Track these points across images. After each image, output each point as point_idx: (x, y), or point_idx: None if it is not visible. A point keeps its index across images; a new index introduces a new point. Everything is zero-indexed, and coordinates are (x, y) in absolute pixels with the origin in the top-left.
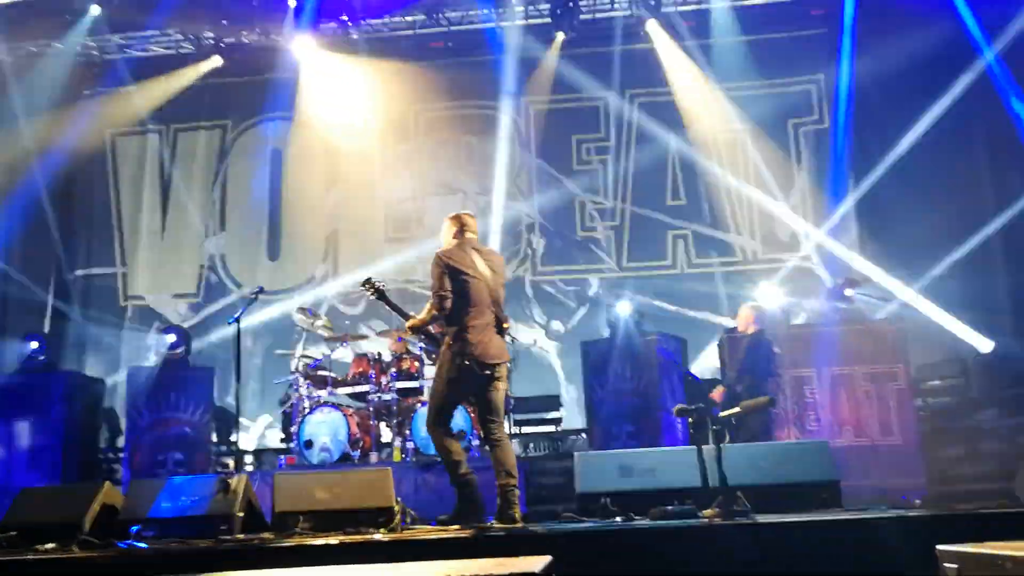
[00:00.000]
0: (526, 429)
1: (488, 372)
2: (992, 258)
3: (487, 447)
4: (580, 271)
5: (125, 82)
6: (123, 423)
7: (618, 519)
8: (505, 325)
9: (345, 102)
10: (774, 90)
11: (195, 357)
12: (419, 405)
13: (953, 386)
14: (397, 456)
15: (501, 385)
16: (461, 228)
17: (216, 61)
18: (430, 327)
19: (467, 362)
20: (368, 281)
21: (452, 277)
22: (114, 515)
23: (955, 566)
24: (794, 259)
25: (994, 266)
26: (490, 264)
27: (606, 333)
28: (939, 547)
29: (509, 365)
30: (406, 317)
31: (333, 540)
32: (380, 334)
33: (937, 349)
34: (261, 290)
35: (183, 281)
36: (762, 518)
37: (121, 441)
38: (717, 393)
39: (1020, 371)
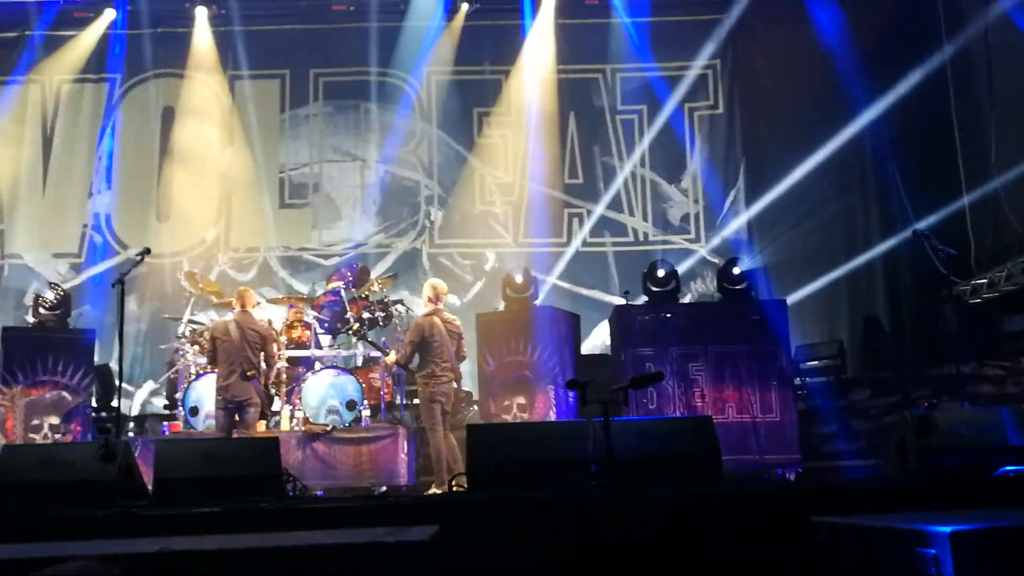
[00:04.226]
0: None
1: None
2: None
3: None
4: (477, 245)
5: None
6: None
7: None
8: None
9: (242, 62)
10: (671, 73)
11: (76, 319)
12: (309, 374)
13: (829, 367)
14: (285, 425)
15: None
16: None
17: (110, 15)
18: None
19: None
20: None
21: None
22: None
23: (828, 536)
24: (684, 241)
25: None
26: None
27: (501, 307)
28: (814, 518)
29: None
30: None
31: (217, 509)
32: (271, 301)
33: (816, 331)
34: (147, 251)
35: (65, 240)
36: (646, 490)
37: None
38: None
39: (889, 356)
